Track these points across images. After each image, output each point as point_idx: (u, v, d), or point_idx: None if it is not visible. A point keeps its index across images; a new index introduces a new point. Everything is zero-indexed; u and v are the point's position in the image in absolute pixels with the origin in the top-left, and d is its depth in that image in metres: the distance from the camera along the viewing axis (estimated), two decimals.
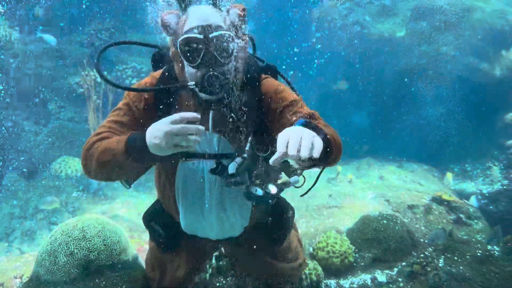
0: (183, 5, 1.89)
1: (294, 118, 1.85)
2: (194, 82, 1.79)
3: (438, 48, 7.18)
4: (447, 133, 7.35)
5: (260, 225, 2.42)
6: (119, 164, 1.75)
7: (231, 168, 1.95)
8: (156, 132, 1.61)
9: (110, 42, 2.03)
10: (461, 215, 5.16)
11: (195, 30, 1.74)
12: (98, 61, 1.94)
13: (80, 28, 9.56)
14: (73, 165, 6.48)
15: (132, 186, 2.19)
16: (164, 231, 2.41)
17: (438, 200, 5.47)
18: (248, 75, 2.00)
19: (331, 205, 5.54)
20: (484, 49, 6.98)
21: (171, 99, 1.98)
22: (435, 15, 7.34)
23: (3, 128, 6.87)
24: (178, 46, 1.77)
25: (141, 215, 6.45)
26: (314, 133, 1.41)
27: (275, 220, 2.42)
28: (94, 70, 7.34)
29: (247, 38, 1.96)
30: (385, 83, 7.93)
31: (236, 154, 1.99)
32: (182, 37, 1.75)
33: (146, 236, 5.21)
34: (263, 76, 2.10)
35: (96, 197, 6.30)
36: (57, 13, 9.75)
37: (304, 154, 1.33)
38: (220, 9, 1.90)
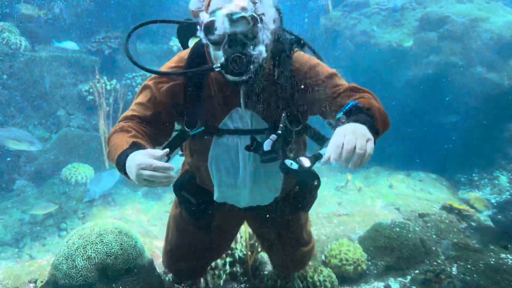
0: None
1: (342, 101, 1.83)
2: (219, 64, 1.79)
3: (446, 58, 7.22)
4: (453, 142, 7.36)
5: (288, 195, 2.46)
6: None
7: (267, 145, 1.97)
8: (130, 169, 1.64)
9: (142, 22, 2.08)
10: (473, 224, 5.16)
11: (220, 12, 1.74)
12: (127, 41, 2.00)
13: (89, 36, 9.65)
14: (83, 172, 6.51)
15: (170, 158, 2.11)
16: (195, 199, 2.43)
17: (449, 209, 5.47)
18: (278, 50, 1.98)
19: (341, 213, 5.54)
20: (492, 59, 7.01)
21: (201, 79, 2.01)
22: (443, 25, 7.40)
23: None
24: (203, 28, 1.79)
25: (151, 221, 6.43)
26: (367, 136, 1.49)
27: (302, 188, 2.45)
28: (105, 77, 7.42)
29: (275, 12, 1.93)
30: (392, 92, 7.96)
31: (270, 130, 2.01)
32: (205, 21, 1.78)
33: (157, 242, 5.22)
34: (296, 50, 2.06)
35: (106, 203, 6.31)
36: (67, 21, 9.86)
37: (355, 165, 1.45)
38: None
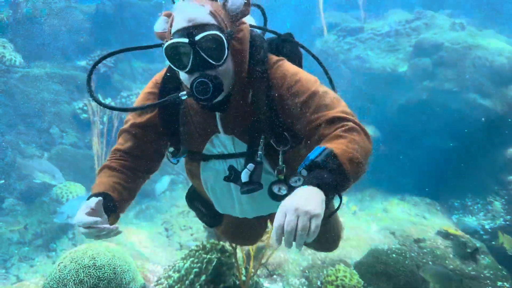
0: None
1: (317, 138, 1.65)
2: (185, 92, 1.69)
3: (440, 84, 7.30)
4: (447, 167, 7.37)
5: None
6: None
7: (244, 176, 1.84)
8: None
9: (104, 54, 1.92)
10: (468, 250, 5.13)
11: (180, 34, 1.61)
12: (89, 81, 1.83)
13: (85, 53, 9.66)
14: (74, 191, 6.41)
15: (178, 160, 2.08)
16: (206, 209, 2.39)
17: (444, 234, 5.44)
18: (254, 65, 1.78)
19: None
20: (486, 85, 7.10)
21: (177, 106, 1.89)
22: (437, 52, 7.50)
23: (6, 151, 6.81)
24: (164, 52, 1.63)
25: (143, 243, 6.31)
26: (312, 212, 1.31)
27: None
28: (98, 95, 7.36)
29: (245, 26, 1.78)
30: (387, 116, 8.01)
31: (247, 155, 1.87)
32: (167, 44, 1.61)
33: (149, 264, 5.12)
34: (273, 60, 1.84)
35: None
36: (63, 39, 9.87)
37: (299, 246, 1.31)
38: None
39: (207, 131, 1.90)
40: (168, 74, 1.91)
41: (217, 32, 1.60)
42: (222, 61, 1.64)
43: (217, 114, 1.84)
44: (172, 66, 1.67)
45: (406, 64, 7.91)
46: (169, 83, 1.89)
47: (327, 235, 2.51)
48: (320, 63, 2.07)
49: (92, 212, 1.60)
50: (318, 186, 1.39)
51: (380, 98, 8.05)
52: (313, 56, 2.04)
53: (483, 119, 7.15)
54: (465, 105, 7.19)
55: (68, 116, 7.71)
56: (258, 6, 2.04)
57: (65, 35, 10.00)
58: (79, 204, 5.65)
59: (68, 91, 8.22)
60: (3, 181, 5.09)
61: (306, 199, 1.34)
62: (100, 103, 1.81)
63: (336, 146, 1.51)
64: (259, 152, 1.82)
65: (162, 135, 1.96)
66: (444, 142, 7.41)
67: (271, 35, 2.06)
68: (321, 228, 2.12)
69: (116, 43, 10.10)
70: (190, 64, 1.61)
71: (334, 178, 1.43)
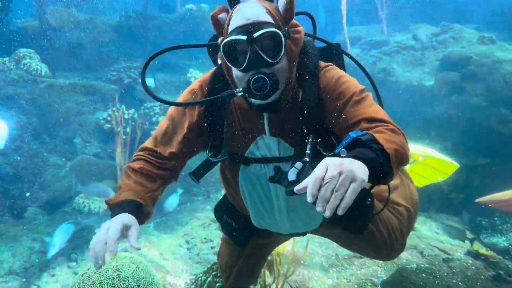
0: (232, 2, 1.78)
1: (348, 131, 1.60)
2: (241, 89, 1.67)
3: (468, 98, 7.13)
4: (474, 184, 7.15)
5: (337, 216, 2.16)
6: None
7: (291, 174, 1.73)
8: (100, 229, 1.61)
9: (161, 49, 1.94)
10: (501, 272, 4.90)
11: (238, 31, 1.62)
12: (144, 71, 1.87)
13: (109, 64, 9.78)
14: (96, 201, 6.39)
15: (199, 181, 2.10)
16: (237, 224, 2.28)
17: (474, 254, 5.21)
18: (305, 69, 1.80)
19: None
20: None
21: (224, 105, 1.87)
22: (466, 66, 7.35)
23: (31, 160, 6.86)
24: (221, 49, 1.66)
25: (163, 255, 6.26)
26: (355, 175, 1.20)
27: (353, 209, 2.14)
28: (122, 106, 7.40)
29: (301, 28, 1.78)
30: (413, 131, 7.85)
31: (295, 156, 1.81)
32: (225, 40, 1.64)
33: (170, 277, 5.04)
34: (323, 65, 1.86)
35: None
36: (87, 49, 10.03)
37: (330, 210, 1.20)
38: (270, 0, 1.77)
39: (253, 132, 1.87)
40: (216, 74, 1.92)
41: (275, 30, 1.61)
42: (278, 59, 1.64)
43: (265, 115, 1.82)
44: (228, 64, 1.68)
45: (433, 78, 7.76)
46: (218, 83, 1.89)
47: (377, 238, 2.22)
48: (368, 76, 2.05)
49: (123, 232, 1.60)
50: (363, 161, 1.30)
51: (405, 112, 7.91)
52: (362, 68, 2.04)
53: None
54: (496, 120, 6.99)
55: (92, 126, 7.77)
56: (308, 14, 2.03)
57: (89, 46, 10.17)
58: (65, 233, 5.37)
59: (91, 102, 8.29)
60: (28, 193, 5.08)
61: (351, 161, 1.26)
62: (156, 98, 1.82)
63: (378, 135, 1.46)
64: (308, 151, 1.73)
65: (203, 136, 1.94)
66: (472, 158, 7.20)
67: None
68: (370, 227, 2.00)
69: (139, 54, 10.23)
70: (246, 61, 1.61)
71: (379, 160, 1.35)
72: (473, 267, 4.96)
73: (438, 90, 7.57)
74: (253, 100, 1.75)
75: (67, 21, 10.17)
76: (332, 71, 1.83)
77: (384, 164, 1.38)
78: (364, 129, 1.58)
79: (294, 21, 1.77)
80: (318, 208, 1.21)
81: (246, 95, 1.68)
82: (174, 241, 6.29)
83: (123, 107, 7.34)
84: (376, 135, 1.46)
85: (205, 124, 1.90)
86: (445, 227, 6.00)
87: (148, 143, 2.02)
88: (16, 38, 9.38)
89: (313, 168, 1.70)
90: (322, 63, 1.87)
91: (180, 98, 1.97)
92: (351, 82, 1.79)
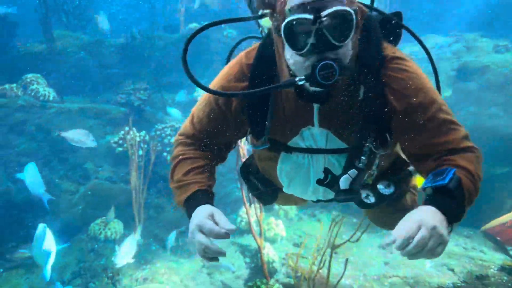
0: None
1: (435, 164, 1.55)
2: (303, 77, 1.43)
3: (486, 108, 7.02)
4: (498, 195, 7.00)
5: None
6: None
7: (344, 182, 1.64)
8: (190, 233, 1.55)
9: (202, 26, 1.62)
10: None
11: (302, 9, 1.36)
12: (185, 51, 1.60)
13: (114, 87, 9.69)
14: (112, 227, 6.23)
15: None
16: (263, 186, 2.16)
17: (508, 270, 5.05)
18: (368, 53, 1.55)
19: (391, 274, 5.16)
20: None
21: (268, 94, 1.67)
22: (483, 75, 7.26)
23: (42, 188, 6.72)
24: (282, 30, 1.40)
25: (183, 282, 6.08)
26: (443, 239, 1.32)
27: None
28: (133, 128, 7.28)
29: (361, 4, 1.53)
30: None
31: (350, 152, 1.69)
32: (287, 20, 1.37)
33: None
34: (390, 54, 1.59)
35: (136, 261, 5.97)
36: (93, 72, 9.96)
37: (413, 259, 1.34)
38: None
39: (300, 122, 1.70)
40: (261, 55, 1.68)
41: (347, 8, 1.36)
42: (347, 41, 1.41)
43: (316, 106, 1.63)
44: (289, 47, 1.43)
45: (450, 89, 7.67)
46: (262, 67, 1.66)
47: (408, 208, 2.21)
48: (431, 59, 1.88)
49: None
50: (445, 213, 1.37)
51: None
52: (425, 49, 1.84)
53: None
54: None
55: (103, 151, 7.63)
56: None
57: (95, 68, 10.10)
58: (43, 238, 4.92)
59: (100, 125, 8.18)
60: (45, 224, 4.92)
61: (440, 222, 1.33)
62: (200, 85, 1.58)
63: (463, 175, 1.48)
64: (362, 158, 1.63)
65: (245, 123, 1.78)
66: (493, 168, 7.06)
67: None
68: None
69: (145, 75, 10.15)
70: (310, 44, 1.38)
71: (458, 211, 1.43)
72: (510, 284, 4.79)
73: (455, 100, 7.47)
74: (312, 88, 1.53)
75: (72, 45, 10.12)
76: (403, 66, 1.58)
77: (461, 213, 1.45)
78: (448, 161, 1.55)
79: None
80: (405, 255, 1.31)
81: (308, 84, 1.45)
82: (193, 266, 6.11)
83: (134, 129, 7.22)
84: (462, 174, 1.48)
85: (247, 112, 1.72)
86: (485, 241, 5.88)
87: (185, 130, 1.90)
88: (22, 63, 9.30)
89: (364, 175, 1.68)
90: (388, 48, 1.63)
91: (217, 83, 1.77)
92: (428, 87, 1.58)
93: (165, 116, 8.67)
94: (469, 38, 8.55)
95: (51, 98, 8.42)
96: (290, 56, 1.48)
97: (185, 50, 1.59)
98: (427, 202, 1.42)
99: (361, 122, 1.61)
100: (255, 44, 1.77)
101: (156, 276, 5.62)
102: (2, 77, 8.81)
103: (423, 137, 1.58)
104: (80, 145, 6.43)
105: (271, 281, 5.05)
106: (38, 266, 5.78)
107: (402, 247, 1.28)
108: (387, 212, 2.20)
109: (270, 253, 5.65)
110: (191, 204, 1.63)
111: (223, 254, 1.48)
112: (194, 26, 11.79)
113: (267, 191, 2.18)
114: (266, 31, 1.80)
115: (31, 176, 5.51)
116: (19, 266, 5.82)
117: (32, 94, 8.31)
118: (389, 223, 2.28)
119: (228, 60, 2.07)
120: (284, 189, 2.05)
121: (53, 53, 9.51)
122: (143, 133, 7.65)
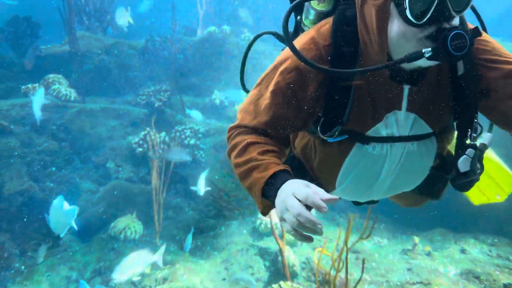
0: None
1: None
2: (430, 49, 1.28)
3: None
4: None
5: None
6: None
7: (464, 164, 1.48)
8: (281, 203, 1.28)
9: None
10: None
11: None
12: (287, 17, 1.47)
13: (134, 88, 9.77)
14: (132, 227, 6.25)
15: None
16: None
17: None
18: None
19: (414, 281, 5.06)
20: None
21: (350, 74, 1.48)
22: None
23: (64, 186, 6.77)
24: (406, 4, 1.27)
25: (203, 283, 6.04)
26: None
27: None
28: (156, 130, 7.30)
29: None
30: None
31: (434, 134, 1.58)
32: None
33: None
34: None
35: (155, 262, 5.98)
36: (114, 73, 10.05)
37: None
38: None
39: (386, 107, 1.54)
40: (339, 32, 1.49)
41: None
42: (463, 11, 1.32)
43: (406, 88, 1.49)
44: (409, 16, 1.27)
45: None
46: (345, 45, 1.48)
47: None
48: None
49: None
50: None
51: None
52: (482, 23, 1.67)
53: None
54: None
55: (124, 151, 7.67)
56: None
57: (115, 70, 10.19)
58: (60, 209, 4.88)
59: (122, 126, 8.24)
60: (67, 228, 4.92)
61: None
62: (305, 61, 1.41)
63: None
64: (474, 135, 1.48)
65: (318, 110, 1.56)
66: None
67: None
68: None
69: (165, 77, 10.21)
70: (431, 12, 1.26)
71: None
72: None
73: None
74: (409, 67, 1.42)
75: (93, 46, 10.24)
76: (485, 38, 1.51)
77: None
78: None
79: None
80: None
81: (436, 56, 1.29)
82: (213, 268, 6.09)
83: (154, 130, 7.25)
84: None
85: (325, 98, 1.53)
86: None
87: (242, 122, 1.65)
88: (44, 63, 9.43)
89: (481, 153, 1.54)
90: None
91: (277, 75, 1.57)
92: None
93: (184, 118, 8.70)
94: None
95: (72, 98, 8.52)
96: (398, 28, 1.34)
97: (286, 20, 1.48)
98: None
99: (455, 101, 1.52)
100: (324, 22, 1.59)
101: (176, 277, 5.61)
102: (25, 76, 8.96)
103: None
104: (179, 161, 6.96)
105: (294, 283, 5.00)
106: (58, 263, 5.83)
107: None
108: (413, 193, 2.03)
109: (290, 256, 5.61)
110: (275, 182, 1.38)
111: (319, 226, 1.18)
112: (213, 29, 11.85)
113: None
114: (311, 17, 1.68)
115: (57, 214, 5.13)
116: (40, 263, 5.86)
117: (54, 94, 8.42)
118: (412, 203, 2.19)
119: (244, 59, 1.96)
120: (337, 190, 1.83)
121: (75, 54, 9.62)
122: (163, 134, 7.68)
